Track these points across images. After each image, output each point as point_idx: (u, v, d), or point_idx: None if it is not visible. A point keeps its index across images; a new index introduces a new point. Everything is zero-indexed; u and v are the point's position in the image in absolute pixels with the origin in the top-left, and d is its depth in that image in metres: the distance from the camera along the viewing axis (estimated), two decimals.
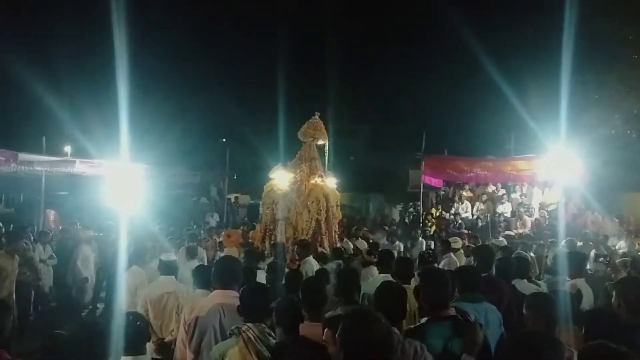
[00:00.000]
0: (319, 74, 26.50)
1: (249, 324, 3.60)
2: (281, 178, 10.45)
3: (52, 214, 15.80)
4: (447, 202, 17.67)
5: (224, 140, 26.74)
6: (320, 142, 10.95)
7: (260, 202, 10.73)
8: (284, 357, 3.39)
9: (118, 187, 14.13)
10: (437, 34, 24.40)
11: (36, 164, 13.95)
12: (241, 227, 13.20)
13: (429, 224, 16.55)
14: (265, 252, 9.50)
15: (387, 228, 14.66)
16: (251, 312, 3.70)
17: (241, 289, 3.97)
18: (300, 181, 10.37)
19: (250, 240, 10.66)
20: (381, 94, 28.58)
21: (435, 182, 17.45)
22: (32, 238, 12.06)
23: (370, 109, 28.49)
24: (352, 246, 10.70)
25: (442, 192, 18.62)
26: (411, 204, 21.07)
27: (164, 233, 11.69)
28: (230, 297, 4.25)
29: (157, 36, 24.72)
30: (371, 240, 11.50)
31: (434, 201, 18.84)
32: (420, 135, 16.47)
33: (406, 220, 19.55)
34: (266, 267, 6.73)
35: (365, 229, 14.27)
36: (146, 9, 21.73)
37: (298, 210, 10.03)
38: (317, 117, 10.93)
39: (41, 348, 3.54)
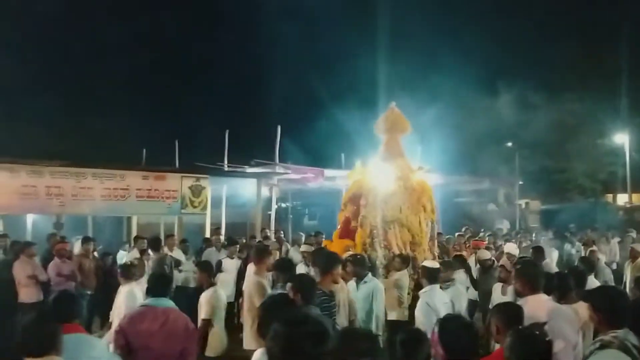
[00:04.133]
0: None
1: (621, 331, 3.21)
2: (380, 173, 8.80)
3: None
4: None
5: (510, 144, 25.96)
6: (404, 134, 9.28)
7: (348, 200, 9.03)
8: None
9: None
10: None
11: (338, 178, 15.18)
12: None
13: None
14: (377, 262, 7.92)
15: None
16: (620, 317, 3.30)
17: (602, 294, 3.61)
18: (404, 177, 8.75)
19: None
20: None
21: None
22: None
23: None
24: None
25: None
26: None
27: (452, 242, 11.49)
28: (543, 300, 4.16)
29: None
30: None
31: None
32: None
33: None
34: None
35: None
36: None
37: (414, 210, 8.51)
38: (394, 106, 9.23)
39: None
